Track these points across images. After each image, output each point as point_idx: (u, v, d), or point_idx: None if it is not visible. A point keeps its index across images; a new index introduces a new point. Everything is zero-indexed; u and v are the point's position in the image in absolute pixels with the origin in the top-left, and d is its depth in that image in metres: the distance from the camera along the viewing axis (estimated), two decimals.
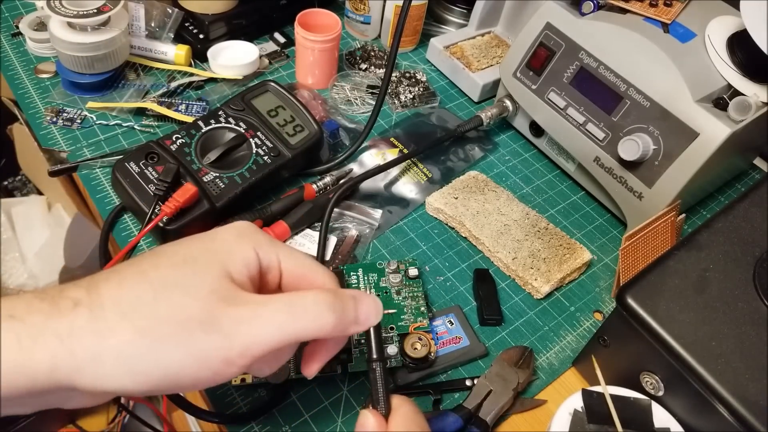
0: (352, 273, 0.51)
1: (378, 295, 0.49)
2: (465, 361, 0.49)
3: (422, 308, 0.49)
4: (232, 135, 0.56)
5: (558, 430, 0.42)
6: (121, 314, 0.26)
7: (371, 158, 0.63)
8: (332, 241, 0.55)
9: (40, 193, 1.18)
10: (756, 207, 0.48)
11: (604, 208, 0.63)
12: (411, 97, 0.69)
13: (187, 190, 0.50)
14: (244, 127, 0.57)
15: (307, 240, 0.55)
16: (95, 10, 0.59)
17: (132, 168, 0.52)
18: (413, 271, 0.51)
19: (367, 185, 0.61)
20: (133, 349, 0.26)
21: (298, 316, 0.29)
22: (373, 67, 0.72)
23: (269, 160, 0.55)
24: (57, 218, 0.97)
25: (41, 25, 0.68)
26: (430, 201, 0.59)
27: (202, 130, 0.56)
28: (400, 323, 0.47)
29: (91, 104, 0.63)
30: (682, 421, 0.42)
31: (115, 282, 0.28)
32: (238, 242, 0.31)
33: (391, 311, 0.48)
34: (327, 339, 0.34)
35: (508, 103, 0.66)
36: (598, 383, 0.44)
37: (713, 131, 0.50)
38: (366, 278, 0.50)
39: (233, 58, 0.69)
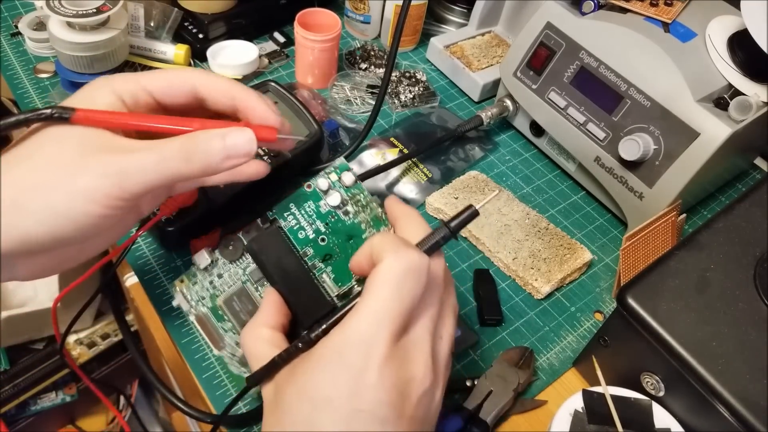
0: (285, 214, 0.41)
1: (327, 225, 0.40)
2: (459, 351, 0.49)
3: (379, 214, 0.41)
4: None
5: (558, 430, 0.42)
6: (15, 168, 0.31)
7: (371, 158, 0.63)
8: None
9: None
10: (756, 207, 0.47)
11: (605, 208, 0.63)
12: (411, 96, 0.69)
13: None
14: None
15: None
16: (94, 10, 0.59)
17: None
18: (348, 178, 0.41)
19: (367, 185, 0.60)
20: (25, 196, 0.30)
21: (166, 157, 0.32)
22: (373, 67, 0.72)
23: (269, 160, 0.55)
24: None
25: (40, 25, 0.68)
26: (430, 201, 0.59)
27: None
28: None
29: None
30: (683, 422, 0.42)
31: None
32: (96, 93, 0.34)
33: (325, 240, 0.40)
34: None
35: (508, 102, 0.66)
36: (598, 383, 0.44)
37: (714, 131, 0.50)
38: (302, 212, 0.41)
39: (233, 57, 0.69)
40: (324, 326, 0.32)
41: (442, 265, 0.33)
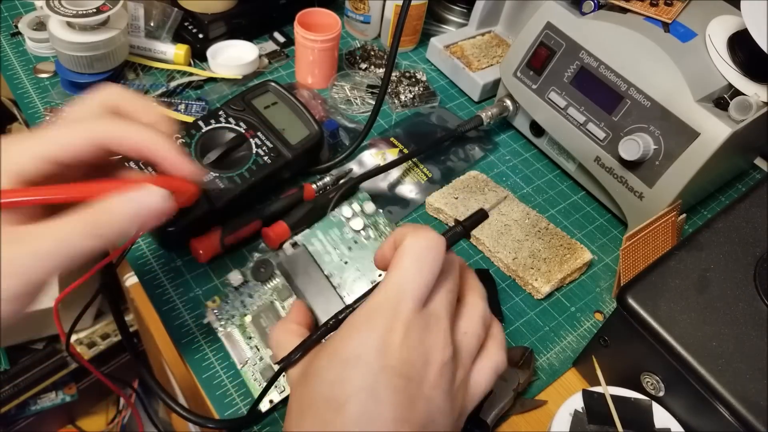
0: (313, 239, 0.47)
1: (349, 249, 0.45)
2: None
3: None
4: (232, 135, 0.56)
5: (558, 430, 0.42)
6: None
7: (371, 158, 0.63)
8: None
9: None
10: (757, 207, 0.48)
11: (605, 208, 0.63)
12: (411, 96, 0.69)
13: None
14: (245, 127, 0.57)
15: None
16: (94, 10, 0.59)
17: (131, 167, 0.51)
18: (369, 207, 0.47)
19: (367, 185, 0.61)
20: None
21: (66, 239, 0.30)
22: (373, 67, 0.72)
23: (269, 161, 0.55)
24: None
25: (40, 25, 0.68)
26: (430, 201, 0.59)
27: (202, 130, 0.56)
28: None
29: None
30: (683, 422, 0.42)
31: None
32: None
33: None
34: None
35: (508, 102, 0.66)
36: (598, 384, 0.44)
37: (714, 131, 0.50)
38: (328, 238, 0.46)
39: (233, 57, 0.69)
40: (351, 306, 0.35)
41: (457, 258, 0.36)
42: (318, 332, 0.35)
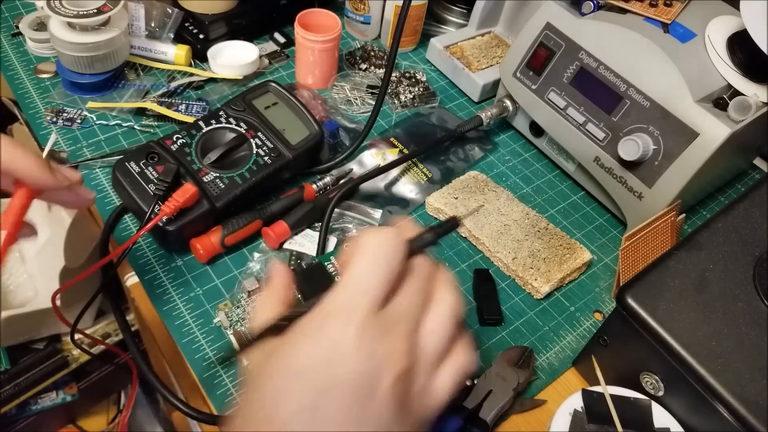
0: (326, 262, 0.51)
1: None
2: None
3: None
4: (232, 135, 0.56)
5: (558, 430, 0.42)
6: None
7: (371, 158, 0.63)
8: (332, 241, 0.55)
9: None
10: (756, 207, 0.48)
11: (604, 208, 0.63)
12: (411, 97, 0.69)
13: (186, 190, 0.50)
14: (245, 127, 0.57)
15: (307, 240, 0.55)
16: (95, 10, 0.59)
17: (132, 168, 0.52)
18: None
19: (367, 185, 0.61)
20: None
21: None
22: (373, 67, 0.72)
23: (269, 161, 0.55)
24: (57, 218, 0.97)
25: (41, 25, 0.68)
26: (430, 201, 0.59)
27: (203, 130, 0.56)
28: None
29: (91, 104, 0.63)
30: (682, 421, 0.42)
31: None
32: None
33: None
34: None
35: (508, 103, 0.66)
36: (598, 383, 0.44)
37: (713, 131, 0.50)
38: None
39: (233, 58, 0.69)
40: (304, 309, 0.32)
41: (427, 261, 0.33)
42: (261, 332, 0.32)
